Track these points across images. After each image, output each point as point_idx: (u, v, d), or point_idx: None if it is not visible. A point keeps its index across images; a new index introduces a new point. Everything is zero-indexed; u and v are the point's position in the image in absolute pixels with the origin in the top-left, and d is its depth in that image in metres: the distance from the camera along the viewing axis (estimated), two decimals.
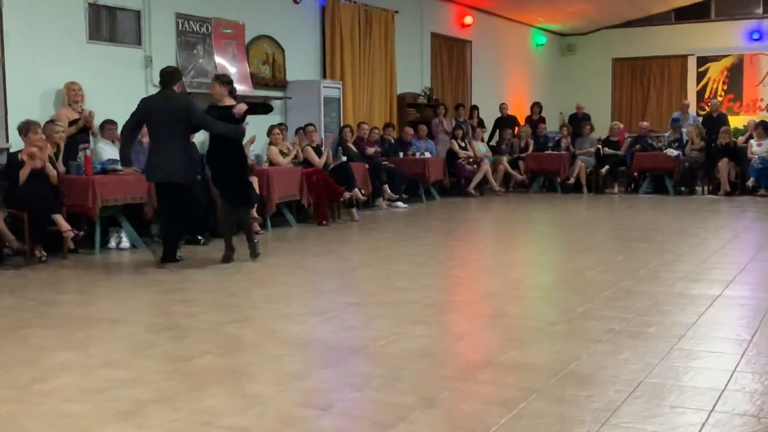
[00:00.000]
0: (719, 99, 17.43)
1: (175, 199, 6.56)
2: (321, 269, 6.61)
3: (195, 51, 9.70)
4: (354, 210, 10.06)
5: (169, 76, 6.62)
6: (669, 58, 18.57)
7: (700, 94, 18.25)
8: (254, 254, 6.89)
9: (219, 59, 10.01)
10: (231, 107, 6.61)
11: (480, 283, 6.05)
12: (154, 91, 9.10)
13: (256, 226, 8.38)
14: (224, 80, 6.82)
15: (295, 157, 9.83)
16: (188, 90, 9.46)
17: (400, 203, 11.67)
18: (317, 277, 6.21)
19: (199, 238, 7.86)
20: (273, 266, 6.73)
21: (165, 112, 6.48)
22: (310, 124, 10.30)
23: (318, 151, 10.12)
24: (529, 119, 15.66)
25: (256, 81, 10.58)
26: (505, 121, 15.14)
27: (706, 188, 13.57)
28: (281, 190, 9.05)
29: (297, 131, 10.33)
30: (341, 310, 4.87)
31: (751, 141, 13.17)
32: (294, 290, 5.62)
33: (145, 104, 6.66)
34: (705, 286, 5.48)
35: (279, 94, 10.98)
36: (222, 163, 6.68)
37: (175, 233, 6.77)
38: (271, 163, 9.46)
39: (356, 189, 10.14)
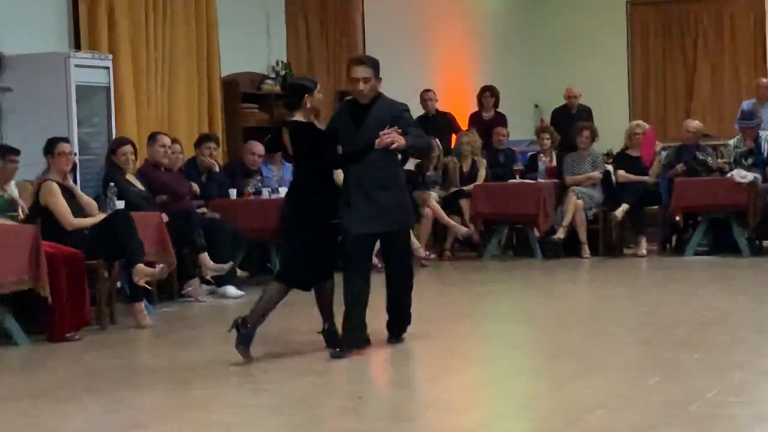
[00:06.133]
0: None
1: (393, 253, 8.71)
2: None
3: None
4: (142, 305, 9.90)
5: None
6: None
7: None
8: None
9: None
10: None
11: None
12: None
13: None
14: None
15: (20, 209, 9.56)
16: None
17: (230, 288, 11.58)
18: None
19: None
20: None
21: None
22: (60, 140, 10.07)
23: (71, 192, 9.95)
24: (476, 118, 15.88)
25: None
26: (433, 124, 15.23)
27: None
28: None
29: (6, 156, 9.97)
30: None
31: None
32: None
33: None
34: None
35: None
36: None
37: (405, 303, 8.85)
38: None
39: (141, 265, 9.94)
